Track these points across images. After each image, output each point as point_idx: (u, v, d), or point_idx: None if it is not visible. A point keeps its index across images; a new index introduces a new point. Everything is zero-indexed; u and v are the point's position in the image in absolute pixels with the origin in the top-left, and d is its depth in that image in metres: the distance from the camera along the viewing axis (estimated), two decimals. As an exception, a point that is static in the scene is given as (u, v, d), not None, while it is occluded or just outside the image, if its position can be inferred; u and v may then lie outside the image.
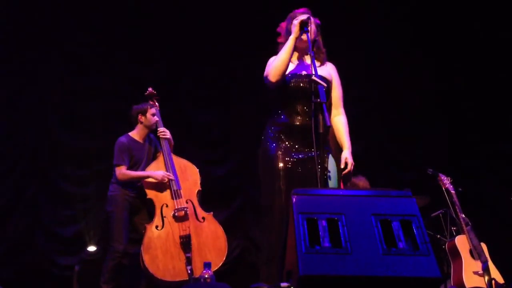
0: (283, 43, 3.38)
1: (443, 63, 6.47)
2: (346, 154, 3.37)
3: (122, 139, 4.73)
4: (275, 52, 3.47)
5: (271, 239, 3.21)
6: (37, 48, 5.84)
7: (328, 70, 3.47)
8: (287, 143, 3.32)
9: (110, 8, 5.97)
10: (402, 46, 6.42)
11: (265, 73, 3.34)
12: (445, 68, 6.48)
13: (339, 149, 3.44)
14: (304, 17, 3.30)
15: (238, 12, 6.10)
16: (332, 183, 3.25)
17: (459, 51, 6.40)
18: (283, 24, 3.54)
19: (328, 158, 3.23)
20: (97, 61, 5.94)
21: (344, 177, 3.35)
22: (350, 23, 6.27)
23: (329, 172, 3.21)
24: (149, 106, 4.81)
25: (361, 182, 5.08)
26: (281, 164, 3.27)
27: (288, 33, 3.40)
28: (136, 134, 4.81)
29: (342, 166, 3.33)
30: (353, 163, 3.37)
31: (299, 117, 3.32)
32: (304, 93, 3.25)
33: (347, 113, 3.60)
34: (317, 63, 3.41)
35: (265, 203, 3.32)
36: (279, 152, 3.30)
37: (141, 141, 4.80)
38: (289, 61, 3.29)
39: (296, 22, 3.28)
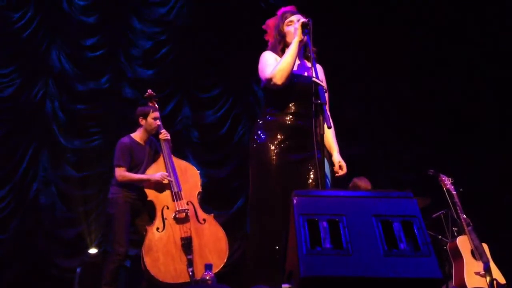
0: (271, 41, 3.43)
1: (444, 62, 6.48)
2: (339, 158, 3.38)
3: (124, 140, 4.73)
4: (264, 49, 3.47)
5: (265, 239, 3.21)
6: (38, 49, 5.85)
7: (318, 73, 3.46)
8: (284, 142, 3.31)
9: (110, 8, 5.99)
10: (402, 45, 6.42)
11: (268, 75, 3.26)
12: (445, 68, 6.48)
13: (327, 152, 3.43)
14: (304, 18, 3.30)
15: (238, 12, 6.11)
16: (329, 185, 3.26)
17: (460, 50, 6.40)
18: (270, 22, 3.54)
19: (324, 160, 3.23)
20: (98, 62, 5.96)
21: (337, 180, 3.36)
22: (350, 21, 6.29)
23: (326, 174, 3.22)
24: (151, 110, 4.79)
25: (362, 182, 5.08)
26: (276, 162, 3.26)
27: (280, 33, 3.40)
28: (137, 135, 4.81)
29: (337, 169, 3.33)
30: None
31: (299, 118, 3.32)
32: (305, 94, 3.24)
33: (349, 114, 3.60)
34: (308, 64, 3.42)
35: (256, 198, 3.32)
36: (275, 151, 3.28)
37: (142, 143, 4.80)
38: (294, 63, 3.29)
39: (297, 25, 3.28)
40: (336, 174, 3.32)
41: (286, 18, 3.43)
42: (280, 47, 3.43)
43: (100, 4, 6.17)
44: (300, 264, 2.17)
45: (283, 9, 3.51)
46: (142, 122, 4.79)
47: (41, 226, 5.67)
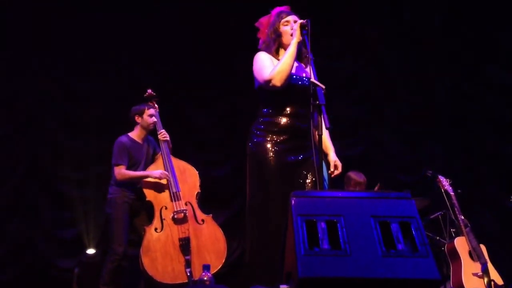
0: (264, 39, 3.43)
1: (444, 61, 6.49)
2: (335, 157, 3.38)
3: (122, 138, 4.74)
4: (256, 46, 3.47)
5: (264, 241, 3.21)
6: (37, 50, 5.84)
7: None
8: (282, 144, 3.30)
9: (109, 10, 5.98)
10: (400, 44, 6.44)
11: (267, 77, 3.23)
12: (444, 66, 6.50)
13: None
14: (299, 19, 3.30)
15: (237, 12, 6.10)
16: (327, 187, 3.26)
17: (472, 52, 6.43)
18: (263, 20, 3.53)
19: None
20: (96, 63, 5.95)
21: (335, 181, 3.36)
22: (351, 22, 6.30)
23: (324, 176, 3.23)
24: (146, 107, 4.82)
25: (353, 174, 5.07)
26: (273, 164, 3.26)
27: (276, 32, 3.39)
28: (135, 134, 4.81)
29: (332, 169, 3.33)
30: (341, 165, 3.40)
31: (296, 119, 3.32)
32: (303, 96, 3.24)
33: (348, 114, 3.58)
34: (304, 65, 3.42)
35: (254, 199, 3.32)
36: (273, 152, 3.29)
37: (140, 141, 4.80)
38: (293, 65, 3.28)
39: (296, 26, 3.27)
40: (332, 174, 3.32)
41: (282, 18, 3.41)
42: (275, 47, 3.42)
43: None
44: (298, 264, 2.18)
45: (278, 8, 3.49)
46: (138, 120, 4.80)
47: (40, 226, 5.66)
